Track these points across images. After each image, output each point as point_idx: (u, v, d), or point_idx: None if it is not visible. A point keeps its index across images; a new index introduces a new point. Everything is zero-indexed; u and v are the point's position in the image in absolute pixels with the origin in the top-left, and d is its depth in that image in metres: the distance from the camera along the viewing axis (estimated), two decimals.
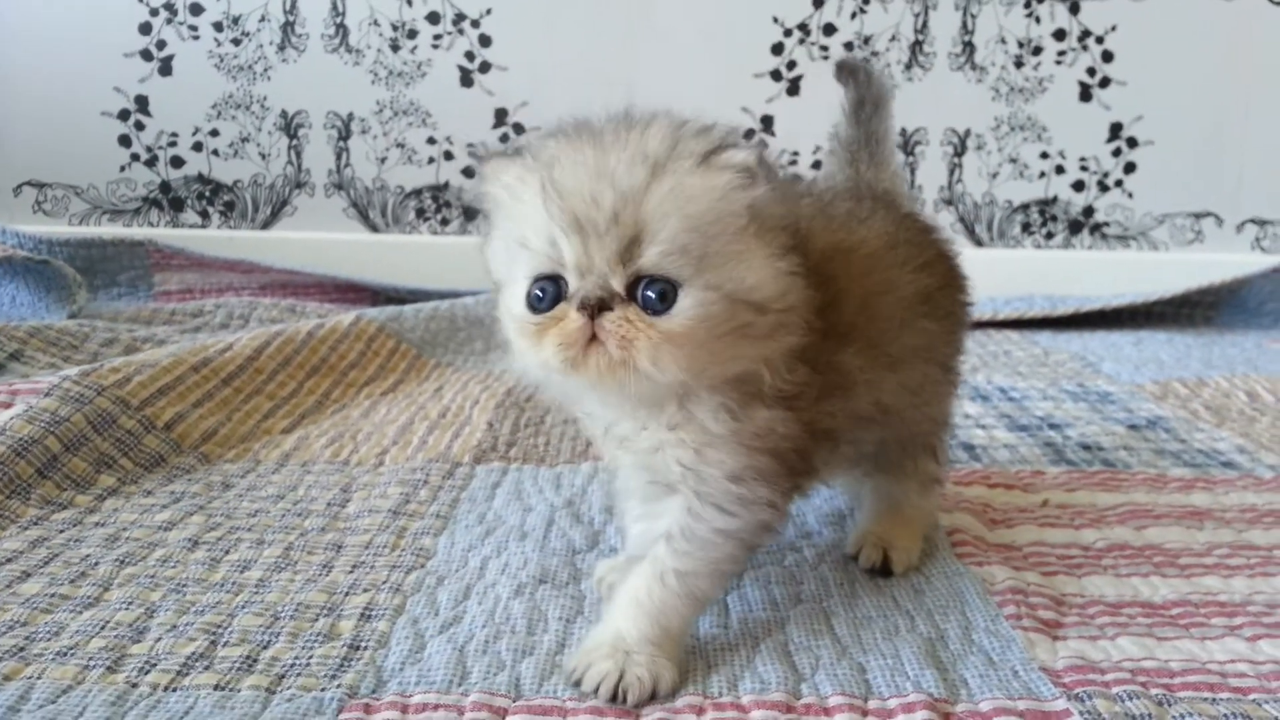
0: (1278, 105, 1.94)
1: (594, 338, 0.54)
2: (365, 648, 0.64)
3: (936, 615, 0.69)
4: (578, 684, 0.59)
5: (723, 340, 0.56)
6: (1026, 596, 0.71)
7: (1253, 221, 1.98)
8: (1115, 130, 1.95)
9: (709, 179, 0.55)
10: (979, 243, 1.99)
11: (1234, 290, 1.83)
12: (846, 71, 0.85)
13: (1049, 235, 1.98)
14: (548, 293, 0.56)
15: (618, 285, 0.54)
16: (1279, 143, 1.94)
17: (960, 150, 1.96)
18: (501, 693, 0.59)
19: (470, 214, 1.98)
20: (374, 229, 1.99)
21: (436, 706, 0.57)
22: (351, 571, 0.75)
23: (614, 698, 0.58)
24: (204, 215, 2.00)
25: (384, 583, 0.73)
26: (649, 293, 0.54)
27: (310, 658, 0.63)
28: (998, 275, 1.93)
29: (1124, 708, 0.58)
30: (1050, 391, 1.31)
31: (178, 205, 2.00)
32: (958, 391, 0.83)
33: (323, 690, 0.59)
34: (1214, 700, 0.59)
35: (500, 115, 1.94)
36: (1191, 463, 1.03)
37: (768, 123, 1.95)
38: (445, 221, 1.99)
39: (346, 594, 0.71)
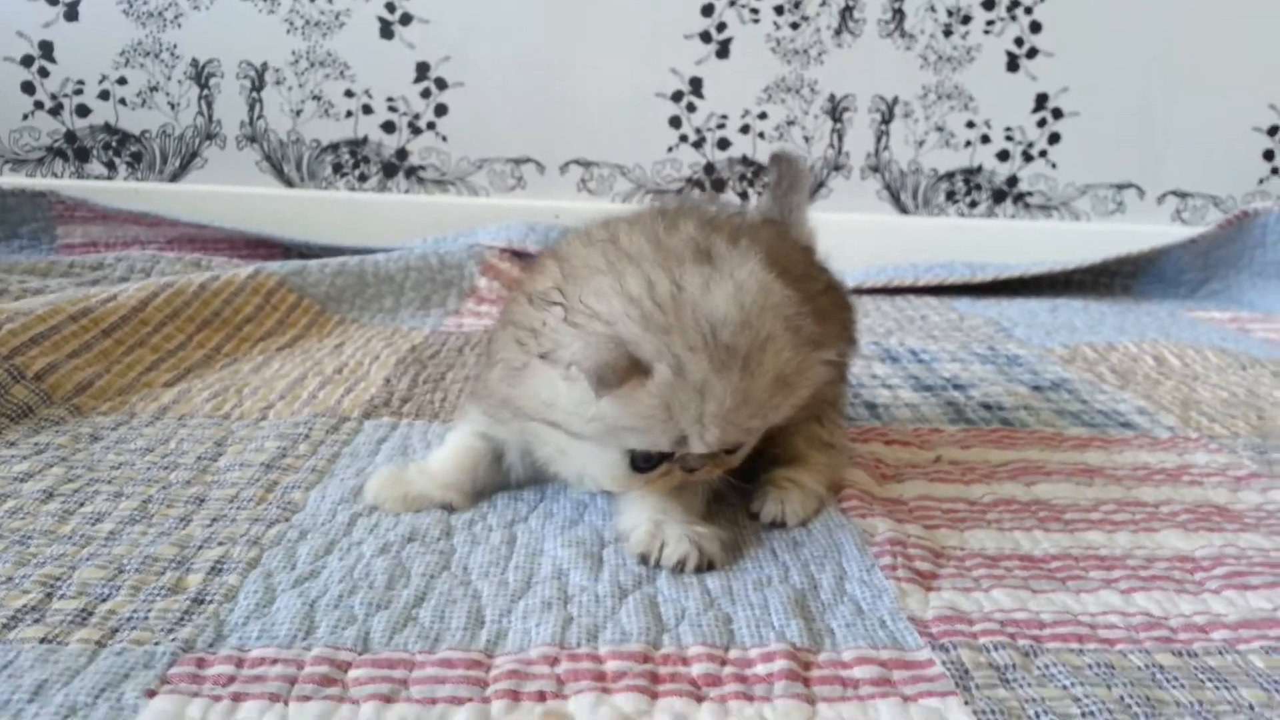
0: (1201, 80, 1.95)
1: None
2: (210, 601, 0.61)
3: (812, 566, 0.68)
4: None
5: None
6: (905, 548, 0.70)
7: (1174, 194, 2.00)
8: (1041, 101, 1.95)
9: (811, 378, 0.67)
10: (904, 210, 1.98)
11: (1152, 260, 1.85)
12: (775, 160, 1.00)
13: (973, 204, 1.99)
14: (653, 458, 0.65)
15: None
16: (1202, 116, 1.96)
17: (887, 118, 1.95)
18: (347, 646, 0.56)
19: (389, 170, 1.93)
20: (288, 184, 1.93)
21: (275, 660, 0.55)
22: (210, 525, 0.72)
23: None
24: (110, 166, 1.92)
25: (242, 536, 0.70)
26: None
27: (149, 611, 0.59)
28: (922, 243, 1.94)
29: (989, 658, 0.57)
30: (960, 354, 1.31)
31: (83, 155, 1.92)
32: (834, 380, 0.82)
33: (156, 644, 0.56)
34: (1080, 651, 0.59)
35: (422, 69, 1.89)
36: (1090, 423, 1.03)
37: (696, 85, 1.92)
38: (364, 178, 1.93)
39: (200, 548, 0.68)
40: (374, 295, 1.46)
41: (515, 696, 0.52)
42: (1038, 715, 0.52)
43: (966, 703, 0.53)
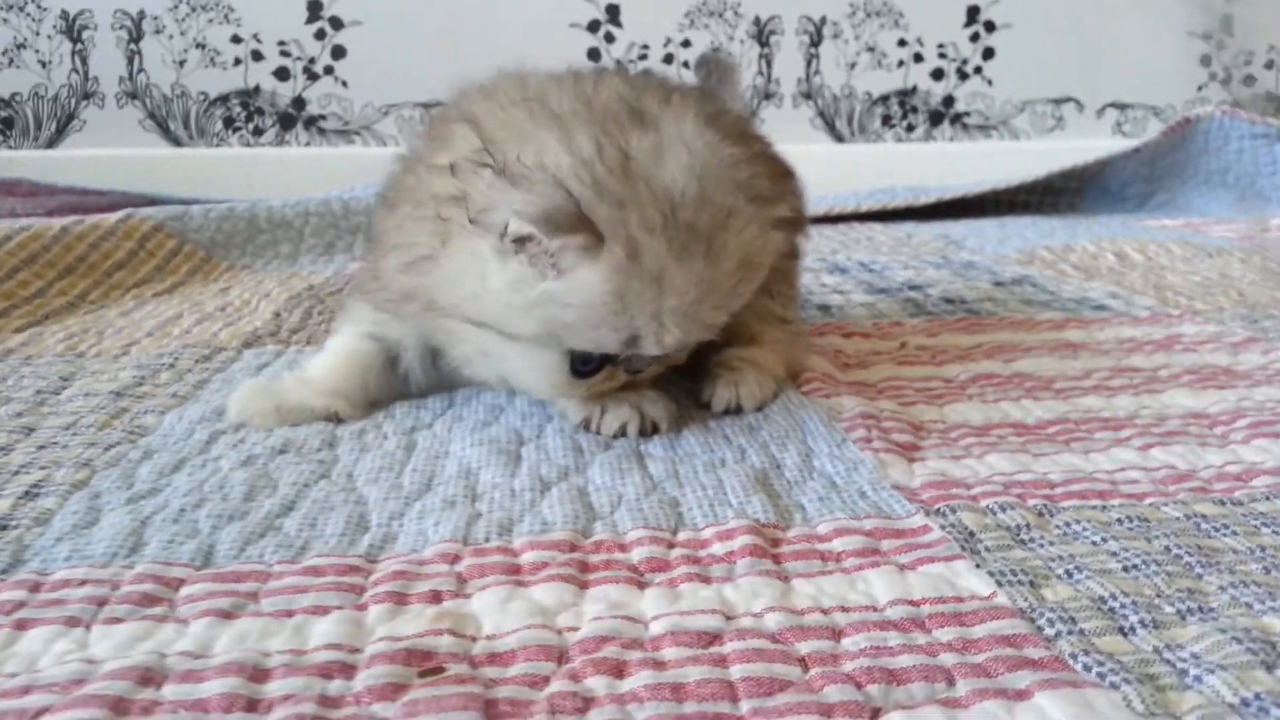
0: None
1: None
2: (14, 527, 0.48)
3: (773, 446, 0.57)
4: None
5: None
6: (879, 421, 0.59)
7: (1113, 106, 1.93)
8: (973, 14, 1.86)
9: (771, 250, 0.58)
10: (839, 138, 1.89)
11: (1096, 174, 1.77)
12: (703, 61, 0.98)
13: (910, 128, 1.90)
14: (593, 361, 0.55)
15: None
16: (1139, 24, 1.89)
17: (816, 39, 1.85)
18: (182, 562, 0.44)
19: (287, 121, 1.77)
20: (176, 142, 1.77)
21: (83, 582, 0.42)
22: (35, 452, 0.58)
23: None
24: None
25: (71, 460, 0.56)
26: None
27: None
28: (860, 172, 1.84)
29: (996, 519, 0.46)
30: (912, 263, 1.21)
31: None
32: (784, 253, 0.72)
33: None
34: (1104, 507, 0.48)
35: (314, 8, 1.74)
36: (1062, 308, 0.93)
37: (614, 13, 1.80)
38: (259, 131, 1.78)
39: (16, 474, 0.54)
40: (268, 241, 1.32)
41: (400, 599, 0.40)
42: (1070, 573, 0.41)
43: (978, 565, 0.42)
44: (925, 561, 0.42)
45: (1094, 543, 0.44)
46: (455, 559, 0.43)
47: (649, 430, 0.59)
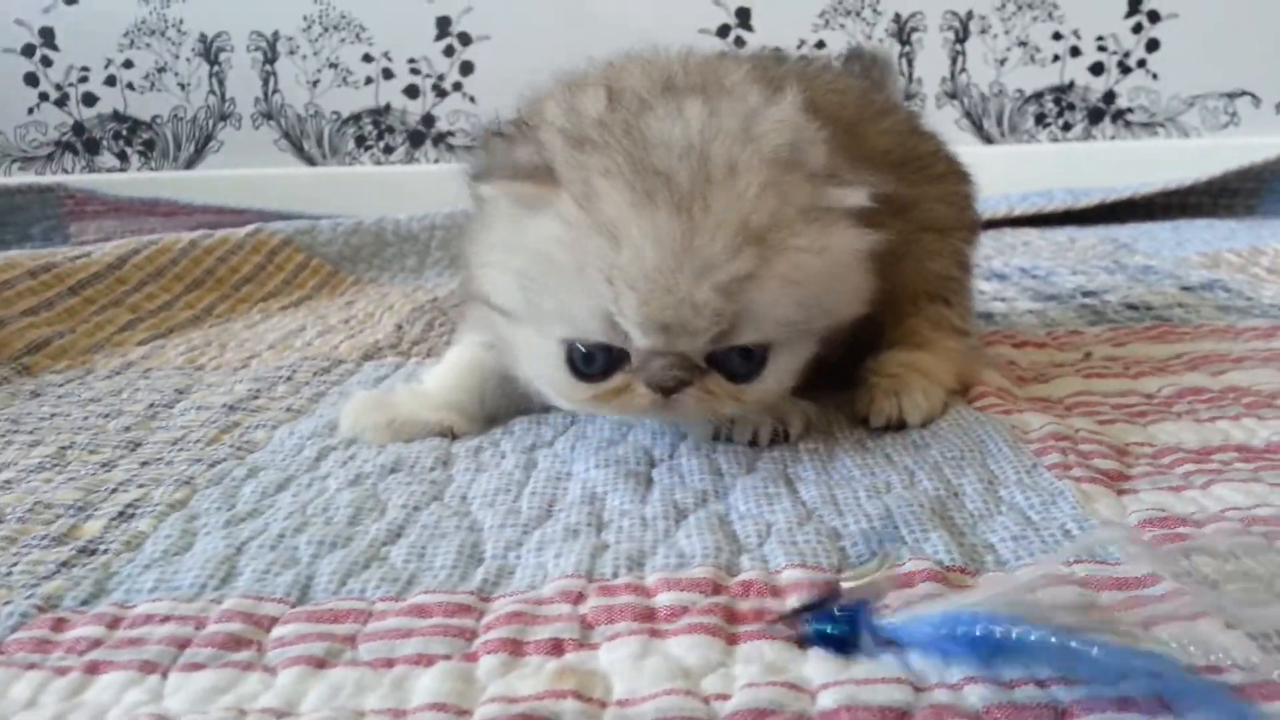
0: None
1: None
2: (104, 551, 0.44)
3: (946, 469, 0.48)
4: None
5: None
6: (1075, 443, 0.50)
7: None
8: (1135, 3, 1.72)
9: (823, 239, 0.46)
10: (988, 139, 1.76)
11: (1277, 172, 1.60)
12: (853, 58, 0.86)
13: (1066, 126, 1.76)
14: (597, 359, 0.47)
15: (698, 360, 0.46)
16: None
17: (963, 35, 1.73)
18: (276, 596, 0.39)
19: (416, 139, 1.77)
20: (310, 161, 1.78)
21: (166, 618, 0.37)
22: (137, 469, 0.55)
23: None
24: (122, 157, 1.81)
25: (171, 477, 0.53)
26: (736, 362, 0.47)
27: (15, 565, 0.42)
28: (1011, 174, 1.71)
29: (1242, 566, 0.37)
30: (1081, 268, 1.10)
31: (93, 147, 1.80)
32: (959, 261, 0.66)
33: (6, 604, 0.39)
34: None
35: (443, 25, 1.73)
36: (1265, 315, 0.81)
37: (744, 16, 1.73)
38: (389, 149, 1.78)
39: (114, 491, 0.51)
40: (395, 254, 1.30)
41: (516, 649, 0.34)
42: None
43: (1229, 626, 0.33)
44: (1161, 621, 0.34)
45: None
46: (579, 598, 0.37)
47: (782, 436, 0.53)
